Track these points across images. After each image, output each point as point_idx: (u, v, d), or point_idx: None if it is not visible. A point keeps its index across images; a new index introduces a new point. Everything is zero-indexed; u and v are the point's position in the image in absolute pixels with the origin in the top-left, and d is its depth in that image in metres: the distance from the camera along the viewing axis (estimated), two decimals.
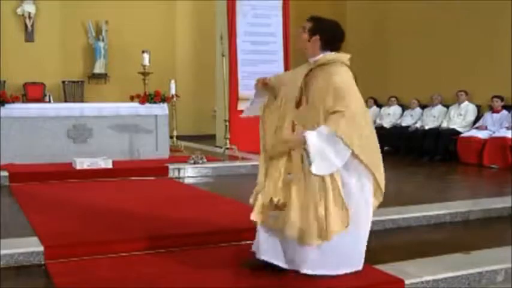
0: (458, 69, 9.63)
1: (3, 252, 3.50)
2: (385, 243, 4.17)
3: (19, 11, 11.81)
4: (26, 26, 11.88)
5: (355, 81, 3.21)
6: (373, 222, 4.40)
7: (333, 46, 3.23)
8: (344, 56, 3.23)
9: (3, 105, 7.14)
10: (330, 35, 3.22)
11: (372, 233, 4.32)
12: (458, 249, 3.85)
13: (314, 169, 3.00)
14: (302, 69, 3.32)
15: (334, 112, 3.05)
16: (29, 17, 11.83)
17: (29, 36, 11.92)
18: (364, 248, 3.32)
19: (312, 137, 3.01)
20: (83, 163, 6.82)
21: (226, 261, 3.63)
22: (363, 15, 11.86)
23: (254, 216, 3.24)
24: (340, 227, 3.08)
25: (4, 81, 11.48)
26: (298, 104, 3.23)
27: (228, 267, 3.50)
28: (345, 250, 3.22)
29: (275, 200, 3.19)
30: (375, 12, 11.53)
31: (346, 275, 3.28)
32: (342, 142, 3.01)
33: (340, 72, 3.16)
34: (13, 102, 7.31)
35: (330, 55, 3.22)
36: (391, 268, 3.40)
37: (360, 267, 3.32)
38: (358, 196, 3.18)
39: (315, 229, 3.07)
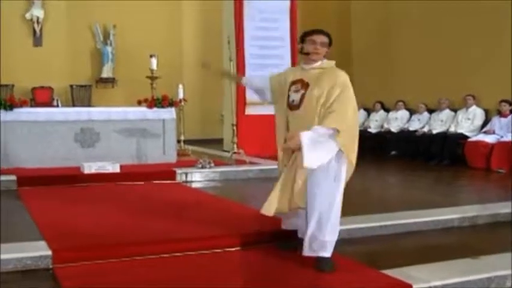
0: (465, 73, 9.60)
1: (12, 256, 3.51)
2: (393, 248, 4.18)
3: (27, 15, 11.94)
4: (34, 31, 12.01)
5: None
6: (381, 227, 4.48)
7: None
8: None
9: (11, 109, 7.19)
10: None
11: (380, 237, 4.35)
12: (467, 254, 3.84)
13: (305, 163, 3.39)
14: (293, 73, 3.75)
15: (331, 112, 3.42)
16: (37, 22, 11.96)
17: (37, 41, 12.05)
18: None
19: (307, 135, 3.41)
20: (90, 167, 6.84)
21: (234, 265, 3.64)
22: (367, 19, 11.86)
23: None
24: None
25: (12, 86, 11.59)
26: (293, 107, 3.62)
27: (236, 271, 3.52)
28: None
29: None
30: (380, 15, 11.53)
31: (353, 279, 3.32)
32: (333, 139, 3.40)
33: (342, 74, 3.56)
34: (21, 106, 7.36)
35: (329, 61, 3.67)
36: (399, 272, 3.39)
37: None
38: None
39: None
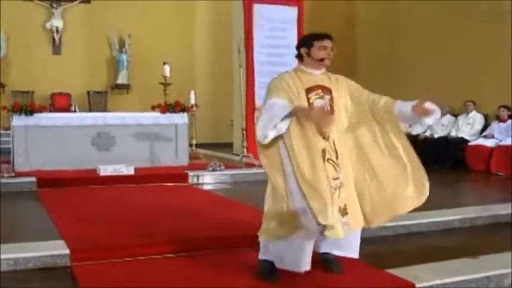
0: (466, 79, 9.67)
1: (31, 254, 3.65)
2: (396, 248, 4.27)
3: (48, 25, 12.22)
4: (54, 40, 12.28)
5: None
6: (384, 228, 4.50)
7: None
8: None
9: (31, 114, 7.39)
10: None
11: (383, 238, 4.42)
12: (467, 254, 3.91)
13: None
14: (298, 79, 3.41)
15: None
16: (57, 31, 12.23)
17: (57, 49, 12.31)
18: None
19: None
20: (106, 170, 7.00)
21: (244, 265, 3.69)
22: (372, 28, 11.93)
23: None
24: None
25: (33, 92, 11.84)
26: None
27: (246, 271, 3.56)
28: None
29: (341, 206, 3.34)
30: (385, 25, 11.61)
31: (357, 278, 3.44)
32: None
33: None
34: (41, 111, 7.56)
35: None
36: (401, 272, 3.48)
37: None
38: None
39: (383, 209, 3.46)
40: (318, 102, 3.34)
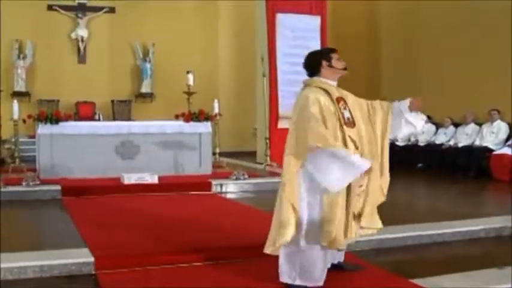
0: (489, 87, 9.56)
1: (57, 262, 3.72)
2: (421, 258, 4.25)
3: (73, 35, 12.51)
4: (79, 49, 12.55)
5: None
6: (411, 237, 4.55)
7: None
8: None
9: (57, 123, 7.52)
10: None
11: (408, 247, 4.41)
12: (493, 264, 3.86)
13: None
14: (326, 91, 3.48)
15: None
16: (82, 41, 12.51)
17: (82, 59, 12.59)
18: None
19: None
20: (130, 178, 7.08)
21: (267, 273, 3.67)
22: (395, 38, 11.89)
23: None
24: None
25: (58, 100, 12.09)
26: (349, 124, 3.45)
27: (269, 279, 3.56)
28: None
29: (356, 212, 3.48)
30: (408, 34, 11.56)
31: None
32: None
33: None
34: (66, 120, 7.68)
35: None
36: (426, 282, 3.45)
37: None
38: None
39: None
40: (345, 113, 3.46)
